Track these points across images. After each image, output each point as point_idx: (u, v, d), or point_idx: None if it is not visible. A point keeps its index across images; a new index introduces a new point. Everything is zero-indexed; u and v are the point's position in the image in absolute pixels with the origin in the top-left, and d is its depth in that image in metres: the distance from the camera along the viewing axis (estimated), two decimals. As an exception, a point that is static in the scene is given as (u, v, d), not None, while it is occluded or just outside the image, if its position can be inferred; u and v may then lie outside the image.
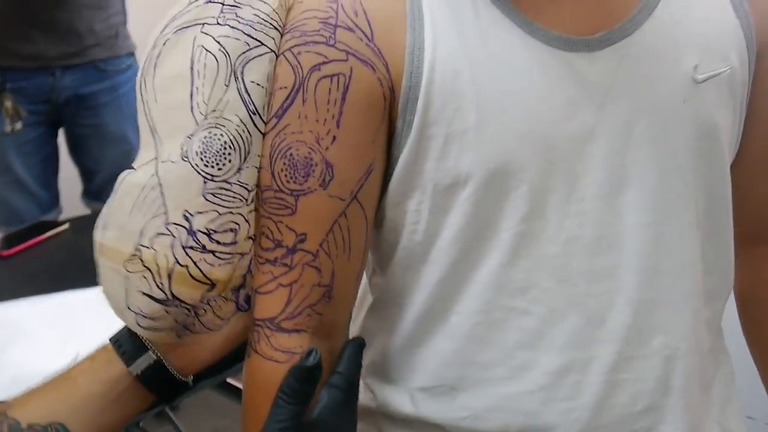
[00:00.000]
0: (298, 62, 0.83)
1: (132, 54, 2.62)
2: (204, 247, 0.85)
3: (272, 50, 0.84)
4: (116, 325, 0.90)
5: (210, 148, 0.83)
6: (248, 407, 0.88)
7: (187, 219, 0.84)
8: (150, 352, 0.88)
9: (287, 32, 0.85)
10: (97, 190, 2.60)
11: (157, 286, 0.86)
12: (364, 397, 0.97)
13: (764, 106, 0.91)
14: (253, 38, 0.84)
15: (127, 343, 0.89)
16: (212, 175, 0.83)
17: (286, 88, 0.84)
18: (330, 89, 0.82)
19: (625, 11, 0.85)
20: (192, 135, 0.83)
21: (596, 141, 0.84)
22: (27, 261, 1.84)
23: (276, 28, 0.85)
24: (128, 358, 0.88)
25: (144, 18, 2.93)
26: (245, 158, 0.84)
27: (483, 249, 0.86)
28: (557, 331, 0.87)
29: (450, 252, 0.86)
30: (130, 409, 0.88)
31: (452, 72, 0.82)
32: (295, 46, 0.84)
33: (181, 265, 0.85)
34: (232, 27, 0.84)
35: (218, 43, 0.83)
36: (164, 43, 0.85)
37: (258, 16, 0.84)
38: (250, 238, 0.87)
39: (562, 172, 0.84)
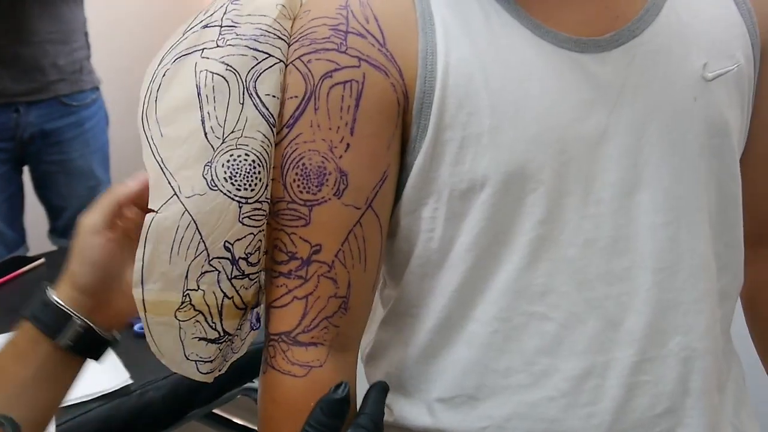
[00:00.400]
0: (309, 70, 0.82)
1: (97, 88, 2.60)
2: (244, 272, 0.83)
3: (281, 60, 0.83)
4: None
5: (239, 171, 0.80)
6: (267, 424, 0.86)
7: (228, 249, 0.81)
8: (74, 320, 0.82)
9: (295, 41, 0.84)
10: (64, 227, 2.56)
11: (210, 326, 0.83)
12: (379, 413, 0.95)
13: None
14: (259, 51, 0.82)
15: (45, 317, 0.82)
16: (246, 198, 0.81)
17: (296, 97, 0.83)
18: (343, 96, 0.81)
19: (632, 12, 0.85)
20: (211, 162, 0.80)
21: (610, 141, 0.84)
22: (2, 297, 1.79)
23: (281, 38, 0.84)
24: (52, 332, 0.82)
25: (108, 52, 2.93)
26: (269, 173, 0.83)
27: (501, 254, 0.85)
28: (577, 335, 0.86)
29: (467, 258, 0.85)
30: (67, 380, 0.84)
31: (466, 75, 0.82)
32: (305, 54, 0.83)
33: (228, 297, 0.83)
34: (234, 45, 0.82)
35: (223, 63, 0.81)
36: (163, 75, 0.83)
37: (260, 29, 0.83)
38: (265, 252, 0.86)
39: (578, 174, 0.84)
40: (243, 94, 0.81)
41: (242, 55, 0.82)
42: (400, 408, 0.93)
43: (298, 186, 0.83)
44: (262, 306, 0.89)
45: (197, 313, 0.82)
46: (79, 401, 1.35)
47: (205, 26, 0.84)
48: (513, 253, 0.85)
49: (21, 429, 0.76)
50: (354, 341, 0.89)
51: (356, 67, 0.81)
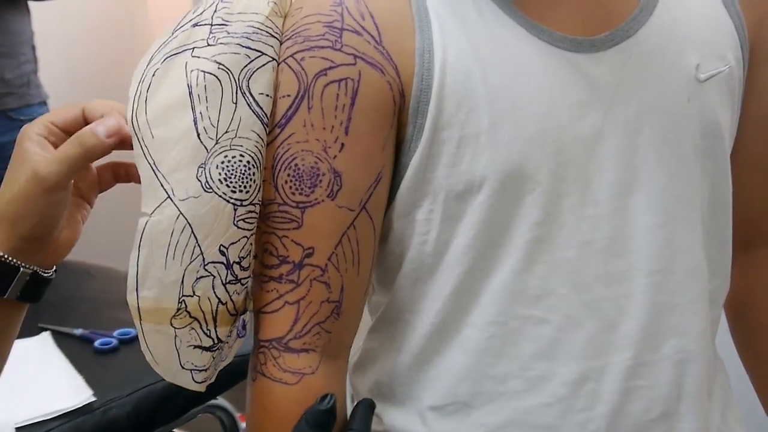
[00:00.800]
0: (302, 68, 0.80)
1: (44, 103, 2.54)
2: (237, 277, 0.81)
3: (273, 58, 0.81)
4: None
5: (234, 172, 0.78)
6: None
7: (223, 253, 0.79)
8: (23, 270, 0.77)
9: (287, 39, 0.82)
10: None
11: (205, 333, 0.81)
12: (368, 423, 0.93)
13: (757, 105, 0.92)
14: (252, 49, 0.80)
15: None
16: (241, 200, 0.79)
17: (289, 96, 0.80)
18: (338, 95, 0.79)
19: (626, 11, 0.85)
20: (205, 163, 0.78)
21: (606, 142, 0.83)
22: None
23: (273, 36, 0.82)
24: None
25: (56, 66, 2.88)
26: (262, 174, 0.81)
27: (497, 256, 0.84)
28: (574, 338, 0.85)
29: (463, 261, 0.84)
30: (13, 327, 0.81)
31: (464, 73, 0.80)
32: (298, 52, 0.81)
33: (222, 303, 0.80)
34: (226, 44, 0.80)
35: (215, 62, 0.79)
36: (153, 74, 0.80)
37: (252, 27, 0.81)
38: (254, 256, 0.83)
39: (575, 175, 0.83)
40: (236, 93, 0.79)
41: (234, 53, 0.79)
42: (391, 417, 0.90)
43: (291, 187, 0.81)
44: (248, 313, 0.87)
45: (192, 320, 0.80)
46: (40, 419, 1.30)
47: (195, 25, 0.81)
48: (509, 255, 0.83)
49: None
50: (345, 348, 0.86)
51: (352, 64, 0.80)
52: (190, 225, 0.77)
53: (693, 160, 0.86)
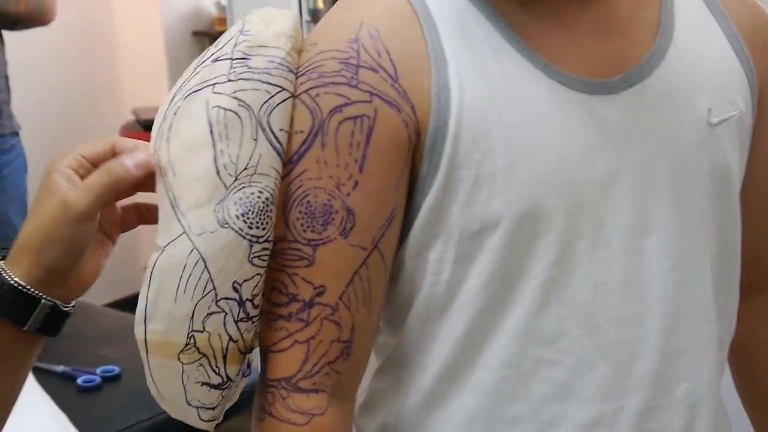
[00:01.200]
0: (317, 104, 0.79)
1: (16, 134, 2.50)
2: (249, 315, 0.79)
3: (293, 94, 0.80)
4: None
5: (252, 209, 0.77)
6: None
7: (236, 290, 0.78)
8: (44, 302, 0.76)
9: (301, 74, 0.81)
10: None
11: (214, 371, 0.79)
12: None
13: (764, 149, 0.93)
14: (272, 84, 0.79)
15: (8, 302, 0.75)
16: (258, 237, 0.77)
17: (302, 132, 0.80)
18: (353, 132, 0.78)
19: (640, 54, 0.85)
20: (223, 200, 0.77)
21: (619, 185, 0.83)
22: None
23: (293, 71, 0.81)
24: (19, 318, 0.76)
25: (28, 98, 2.85)
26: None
27: (511, 297, 0.83)
28: (586, 381, 0.84)
29: (475, 302, 0.83)
30: (30, 359, 0.79)
31: (480, 112, 0.80)
32: (312, 87, 0.80)
33: (233, 341, 0.79)
34: (247, 80, 0.79)
35: (236, 99, 0.78)
36: (174, 113, 0.80)
37: (273, 62, 0.80)
38: (262, 294, 0.82)
39: (589, 217, 0.82)
40: (256, 129, 0.78)
41: (255, 89, 0.78)
42: (398, 460, 0.89)
43: (302, 224, 0.79)
44: (255, 351, 0.85)
45: (201, 356, 0.78)
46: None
47: (216, 60, 0.80)
48: (523, 296, 0.83)
49: None
50: (353, 388, 0.85)
51: (368, 102, 0.79)
52: (203, 259, 0.76)
53: (704, 204, 0.86)
